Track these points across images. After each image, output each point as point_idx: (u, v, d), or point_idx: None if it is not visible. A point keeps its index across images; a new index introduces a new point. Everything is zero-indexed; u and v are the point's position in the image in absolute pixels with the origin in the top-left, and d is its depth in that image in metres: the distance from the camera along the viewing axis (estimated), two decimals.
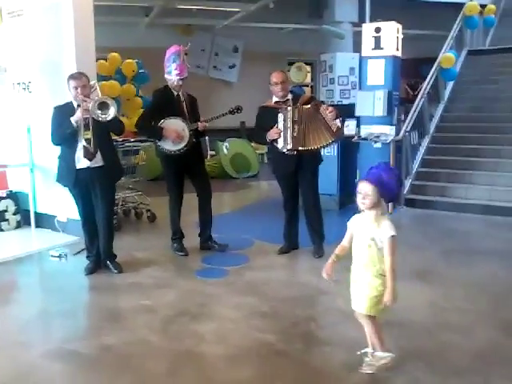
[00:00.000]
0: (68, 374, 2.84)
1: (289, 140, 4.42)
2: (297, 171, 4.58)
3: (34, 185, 5.73)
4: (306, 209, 4.77)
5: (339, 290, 3.78)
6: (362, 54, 6.93)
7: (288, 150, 4.46)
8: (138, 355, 2.96)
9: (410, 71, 12.04)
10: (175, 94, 4.69)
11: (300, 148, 4.43)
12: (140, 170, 6.20)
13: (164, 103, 4.65)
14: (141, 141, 6.01)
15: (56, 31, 5.22)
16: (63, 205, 5.36)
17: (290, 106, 4.46)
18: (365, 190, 2.57)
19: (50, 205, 5.64)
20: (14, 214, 5.77)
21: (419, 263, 4.57)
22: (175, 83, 4.65)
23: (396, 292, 2.60)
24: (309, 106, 4.44)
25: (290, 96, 4.59)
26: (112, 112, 3.98)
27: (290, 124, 4.40)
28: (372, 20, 7.49)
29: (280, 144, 4.48)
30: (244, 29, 12.91)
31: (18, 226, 5.80)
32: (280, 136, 4.44)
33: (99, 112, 3.95)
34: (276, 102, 4.58)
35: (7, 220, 5.72)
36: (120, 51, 7.61)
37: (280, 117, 4.43)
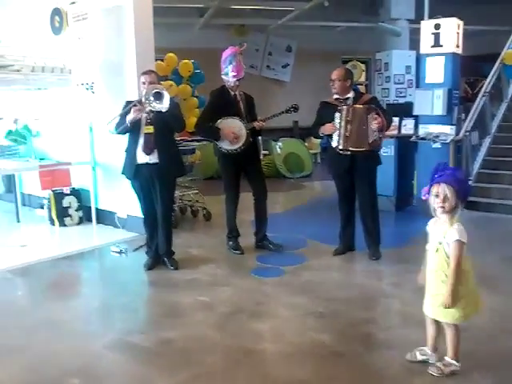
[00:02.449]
0: (130, 366, 2.92)
1: (341, 139, 4.39)
2: (351, 171, 4.53)
3: (95, 182, 5.95)
4: (361, 210, 4.69)
5: (399, 292, 3.74)
6: (421, 52, 6.75)
7: (341, 150, 4.43)
8: (196, 350, 3.01)
9: (469, 69, 11.63)
10: (232, 94, 4.74)
11: (350, 148, 4.39)
12: (196, 169, 6.29)
13: (221, 103, 4.70)
14: (197, 140, 6.11)
15: (117, 33, 5.40)
16: (123, 202, 5.54)
17: (346, 105, 4.42)
18: (445, 193, 2.52)
19: (110, 202, 5.84)
20: (77, 210, 6.00)
21: (479, 268, 4.34)
22: (232, 84, 4.70)
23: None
24: (361, 106, 4.38)
25: (351, 94, 4.51)
26: (166, 103, 4.01)
27: (343, 123, 4.36)
28: (430, 17, 7.29)
29: (334, 142, 4.45)
30: (298, 28, 12.86)
31: (80, 221, 6.03)
32: (334, 133, 4.41)
33: (152, 99, 4.00)
34: (336, 99, 4.54)
35: (70, 216, 5.96)
36: (176, 52, 7.76)
37: (337, 116, 4.40)
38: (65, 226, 5.91)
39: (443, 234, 2.59)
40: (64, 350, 3.05)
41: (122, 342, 3.16)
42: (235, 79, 4.66)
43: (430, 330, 2.77)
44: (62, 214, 5.89)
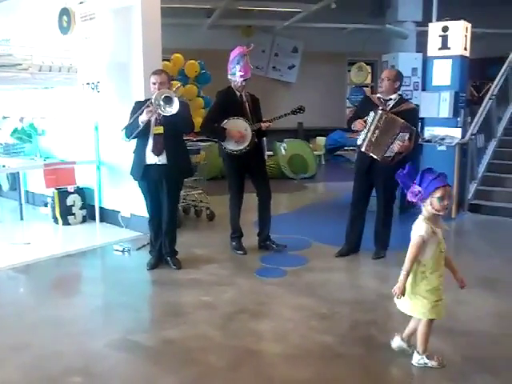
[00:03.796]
0: (132, 365, 2.92)
1: (366, 142, 4.37)
2: (371, 173, 4.53)
3: (99, 181, 5.97)
4: (376, 212, 4.71)
5: None
6: (428, 54, 6.74)
7: (362, 151, 4.45)
8: (199, 350, 3.02)
9: (475, 72, 11.61)
10: (238, 94, 4.74)
11: (371, 154, 4.37)
12: (201, 169, 6.30)
13: (227, 104, 4.70)
14: (202, 140, 6.12)
15: (125, 33, 5.41)
16: (127, 201, 5.56)
17: (383, 108, 4.37)
18: (450, 194, 2.67)
19: (114, 201, 5.85)
20: (81, 208, 6.00)
21: (485, 271, 4.39)
22: (239, 84, 4.70)
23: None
24: (399, 119, 4.26)
25: (394, 96, 4.48)
26: (175, 107, 4.00)
27: (372, 127, 4.33)
28: (437, 19, 7.28)
29: (359, 140, 4.45)
30: (304, 29, 12.86)
31: (84, 220, 6.04)
32: (363, 131, 4.39)
33: (162, 103, 3.99)
34: (379, 98, 4.53)
35: (74, 214, 5.96)
36: (182, 52, 7.79)
37: (370, 115, 4.36)
38: (68, 224, 5.92)
39: (443, 231, 2.73)
40: (66, 348, 3.05)
41: (124, 340, 3.16)
42: (242, 79, 4.65)
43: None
44: (66, 212, 5.90)
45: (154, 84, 4.18)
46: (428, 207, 2.64)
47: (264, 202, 4.92)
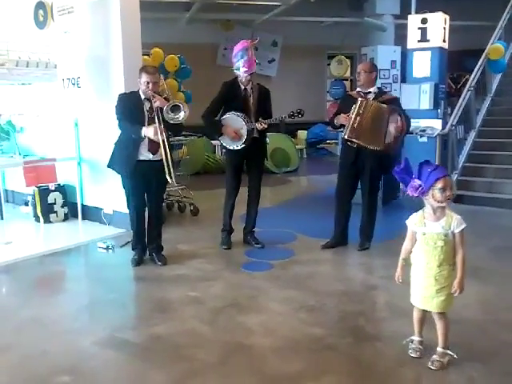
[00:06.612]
0: (121, 362, 2.89)
1: (348, 129, 4.40)
2: (357, 165, 4.56)
3: (81, 178, 5.88)
4: (362, 203, 4.74)
5: (387, 285, 3.76)
6: (408, 46, 6.80)
7: (346, 140, 4.47)
8: (188, 345, 2.99)
9: (452, 64, 11.74)
10: (242, 88, 4.64)
11: (354, 140, 4.41)
12: (184, 164, 6.25)
13: (230, 96, 4.63)
14: (185, 135, 6.07)
15: (104, 27, 5.32)
16: (109, 197, 5.49)
17: (363, 98, 4.42)
18: (451, 184, 2.65)
19: (96, 198, 5.77)
20: (62, 206, 5.91)
21: (470, 260, 4.39)
22: (244, 79, 4.63)
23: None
24: (381, 104, 4.35)
25: (373, 89, 4.53)
26: (182, 115, 4.00)
27: (354, 115, 4.37)
28: (415, 12, 7.34)
29: (344, 131, 4.49)
30: (284, 23, 12.85)
31: (66, 218, 5.95)
32: (346, 123, 4.43)
33: (172, 114, 3.98)
34: (358, 92, 4.57)
35: (55, 212, 5.87)
36: (162, 47, 7.70)
37: (353, 107, 4.40)
38: (50, 222, 5.82)
39: (448, 225, 2.64)
40: (53, 347, 3.00)
41: (112, 338, 3.12)
42: (246, 74, 4.59)
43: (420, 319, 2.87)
44: (47, 210, 5.81)
45: (147, 84, 4.05)
46: (430, 200, 2.61)
47: (252, 197, 4.90)
